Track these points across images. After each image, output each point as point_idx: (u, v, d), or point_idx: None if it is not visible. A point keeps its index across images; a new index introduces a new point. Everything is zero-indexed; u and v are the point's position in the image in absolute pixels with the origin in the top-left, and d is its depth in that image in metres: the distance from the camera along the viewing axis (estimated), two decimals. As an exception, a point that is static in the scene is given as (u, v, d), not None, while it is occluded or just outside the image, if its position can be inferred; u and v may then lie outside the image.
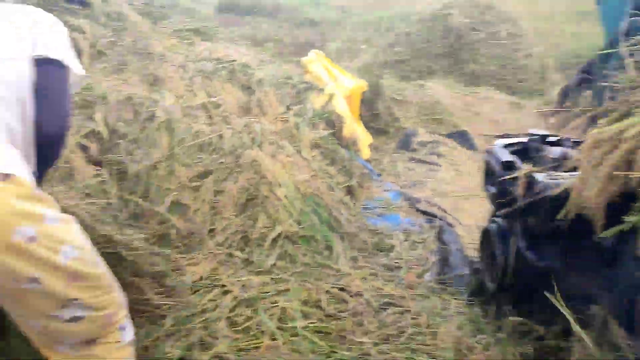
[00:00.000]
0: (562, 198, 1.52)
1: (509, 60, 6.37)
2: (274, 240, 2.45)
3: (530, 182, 1.68)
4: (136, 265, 1.84)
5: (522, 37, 6.67)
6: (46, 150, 1.34)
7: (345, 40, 8.39)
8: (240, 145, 2.73)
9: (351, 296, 2.19)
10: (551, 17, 8.89)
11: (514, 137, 1.98)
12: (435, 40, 6.34)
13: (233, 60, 3.46)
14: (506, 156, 1.79)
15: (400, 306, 2.15)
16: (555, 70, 6.69)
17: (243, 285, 2.17)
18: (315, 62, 4.24)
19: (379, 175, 3.73)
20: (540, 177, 1.66)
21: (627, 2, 2.95)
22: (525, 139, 1.94)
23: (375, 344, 1.90)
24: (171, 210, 2.45)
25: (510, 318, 1.82)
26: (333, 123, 3.41)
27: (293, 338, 1.89)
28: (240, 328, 1.94)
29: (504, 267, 1.80)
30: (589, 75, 3.90)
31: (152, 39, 3.39)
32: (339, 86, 4.00)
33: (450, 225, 2.96)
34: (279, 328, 1.92)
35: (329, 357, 1.84)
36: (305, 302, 2.10)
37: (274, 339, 1.87)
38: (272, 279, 2.24)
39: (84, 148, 2.49)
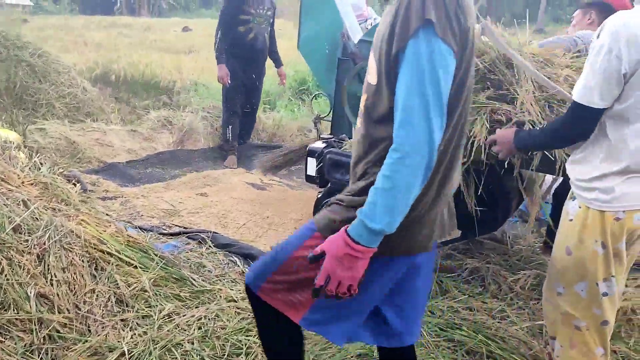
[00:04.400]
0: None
1: (69, 95, 6.45)
2: (144, 290, 2.48)
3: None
4: None
5: (68, 72, 6.82)
6: None
7: None
8: (48, 218, 2.43)
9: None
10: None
11: (318, 141, 2.87)
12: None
13: None
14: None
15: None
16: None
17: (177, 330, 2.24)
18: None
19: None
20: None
21: (325, 44, 3.69)
22: (323, 142, 2.88)
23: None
24: (38, 305, 2.10)
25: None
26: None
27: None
28: None
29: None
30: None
31: None
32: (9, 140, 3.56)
33: (215, 232, 3.46)
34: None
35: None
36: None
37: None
38: (185, 321, 2.36)
39: None
